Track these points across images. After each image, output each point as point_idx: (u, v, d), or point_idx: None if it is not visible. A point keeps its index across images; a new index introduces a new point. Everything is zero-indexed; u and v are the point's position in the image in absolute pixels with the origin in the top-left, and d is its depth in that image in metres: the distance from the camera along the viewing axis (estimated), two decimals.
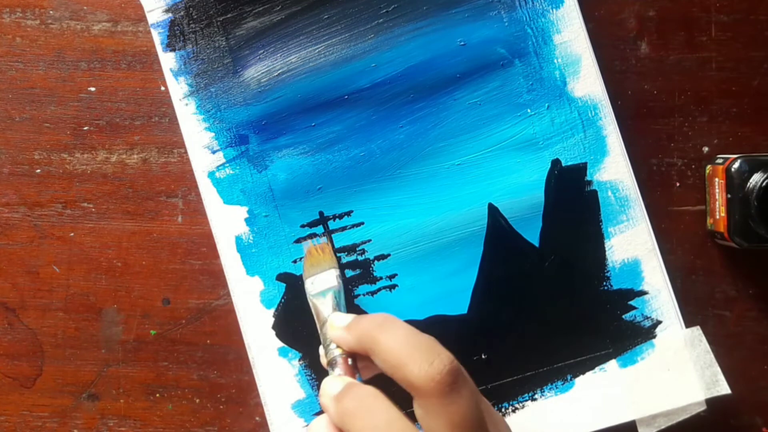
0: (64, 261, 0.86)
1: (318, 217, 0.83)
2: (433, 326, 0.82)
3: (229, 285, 0.84)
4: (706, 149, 0.85)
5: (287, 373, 0.83)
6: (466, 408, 0.57)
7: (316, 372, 0.83)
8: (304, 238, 0.83)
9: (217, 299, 0.85)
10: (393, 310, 0.82)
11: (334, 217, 0.83)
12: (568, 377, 0.83)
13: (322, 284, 0.77)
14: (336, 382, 0.64)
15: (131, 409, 0.86)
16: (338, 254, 0.83)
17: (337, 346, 0.68)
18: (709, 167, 0.84)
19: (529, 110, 0.83)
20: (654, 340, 0.83)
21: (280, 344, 0.83)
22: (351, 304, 0.83)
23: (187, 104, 0.83)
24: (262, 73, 0.83)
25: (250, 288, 0.83)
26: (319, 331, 0.73)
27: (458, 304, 0.83)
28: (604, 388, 0.83)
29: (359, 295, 0.83)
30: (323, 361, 0.70)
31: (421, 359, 0.58)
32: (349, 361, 0.68)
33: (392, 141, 0.83)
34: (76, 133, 0.85)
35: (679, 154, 0.85)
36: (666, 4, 0.85)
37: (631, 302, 0.83)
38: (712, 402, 0.82)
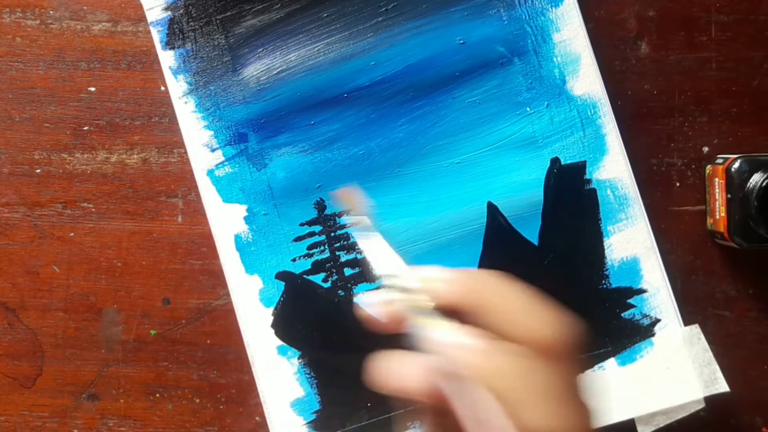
0: (64, 261, 0.86)
1: (317, 214, 0.83)
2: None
3: (228, 283, 0.84)
4: (706, 149, 0.85)
5: (286, 371, 0.83)
6: (582, 371, 0.55)
7: (315, 370, 0.83)
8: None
9: (217, 299, 0.85)
10: None
11: (334, 215, 0.83)
12: None
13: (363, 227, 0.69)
14: (473, 336, 0.54)
15: (131, 409, 0.86)
16: (337, 252, 0.83)
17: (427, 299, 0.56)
18: (709, 167, 0.84)
19: (528, 109, 0.83)
20: (653, 339, 0.83)
21: (279, 343, 0.83)
22: (350, 303, 0.83)
23: (186, 102, 0.83)
24: (262, 71, 0.83)
25: (249, 286, 0.83)
26: (375, 264, 0.63)
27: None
28: (603, 387, 0.82)
29: (358, 293, 0.83)
30: (378, 309, 0.58)
31: (542, 320, 0.53)
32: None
33: (391, 139, 0.83)
34: (76, 133, 0.85)
35: (679, 154, 0.85)
36: (666, 4, 0.85)
37: (630, 300, 0.83)
38: (711, 402, 0.82)
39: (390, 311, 0.58)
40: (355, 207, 0.71)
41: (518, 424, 0.50)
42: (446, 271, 0.57)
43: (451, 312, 0.55)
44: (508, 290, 0.55)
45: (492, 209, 0.83)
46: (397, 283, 0.58)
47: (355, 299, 0.66)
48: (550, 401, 0.52)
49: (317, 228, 0.83)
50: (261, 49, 0.83)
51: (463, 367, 0.52)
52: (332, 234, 0.83)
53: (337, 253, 0.83)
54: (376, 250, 0.63)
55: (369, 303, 0.59)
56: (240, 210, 0.83)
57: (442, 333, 0.54)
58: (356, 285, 0.83)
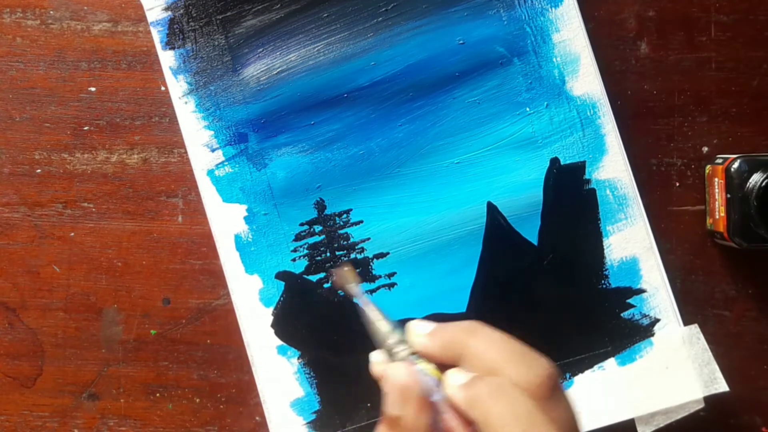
0: (64, 261, 0.86)
1: (316, 214, 0.83)
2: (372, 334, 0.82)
3: (228, 283, 0.84)
4: (705, 149, 0.85)
5: (286, 371, 0.83)
6: (566, 412, 0.56)
7: (315, 370, 0.83)
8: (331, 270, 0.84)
9: (217, 299, 0.85)
10: (392, 308, 0.82)
11: (334, 215, 0.83)
12: (567, 376, 0.83)
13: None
14: (460, 373, 0.59)
15: (131, 409, 0.86)
16: (338, 252, 0.84)
17: (414, 354, 0.63)
18: (708, 167, 0.84)
19: (527, 109, 0.83)
20: (652, 338, 0.83)
21: (279, 342, 0.83)
22: (350, 304, 0.83)
23: (186, 102, 0.83)
24: (262, 71, 0.83)
25: (249, 286, 0.83)
26: (374, 331, 0.69)
27: (457, 303, 0.83)
28: (603, 387, 0.82)
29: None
30: (377, 368, 0.64)
31: (519, 363, 0.56)
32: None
33: (391, 139, 0.83)
34: (77, 133, 0.85)
35: (679, 154, 0.85)
36: (666, 4, 0.85)
37: (630, 300, 0.83)
38: (711, 401, 0.82)
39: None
40: (351, 282, 0.74)
41: None
42: (428, 326, 0.61)
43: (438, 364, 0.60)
44: (487, 338, 0.58)
45: (492, 209, 0.83)
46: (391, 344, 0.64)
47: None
48: None
49: (317, 228, 0.83)
50: (261, 49, 0.83)
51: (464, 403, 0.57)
52: (332, 234, 0.83)
53: (337, 253, 0.83)
54: (373, 316, 0.67)
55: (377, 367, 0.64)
56: (240, 210, 0.83)
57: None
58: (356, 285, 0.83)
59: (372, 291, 0.83)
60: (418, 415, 0.58)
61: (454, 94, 0.83)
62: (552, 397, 0.55)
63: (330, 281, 0.83)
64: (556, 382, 0.56)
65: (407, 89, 0.83)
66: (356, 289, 0.71)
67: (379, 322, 0.65)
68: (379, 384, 0.61)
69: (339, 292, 0.82)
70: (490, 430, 0.54)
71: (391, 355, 0.63)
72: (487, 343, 0.58)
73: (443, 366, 0.60)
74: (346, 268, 0.75)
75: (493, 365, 0.56)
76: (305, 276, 0.84)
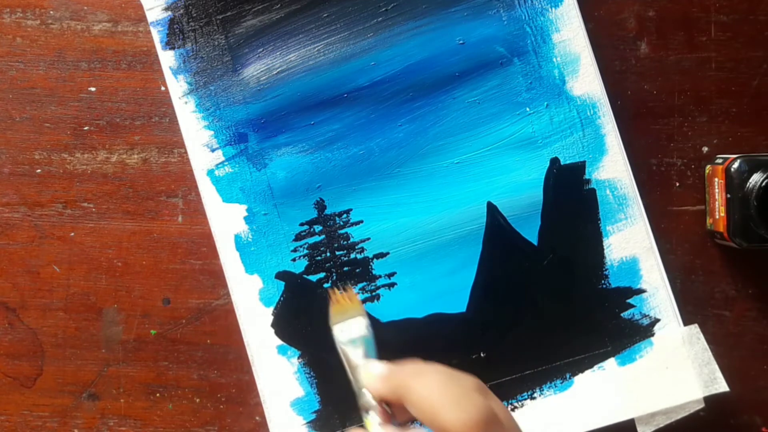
0: (64, 261, 0.86)
1: (316, 214, 0.83)
2: (432, 324, 0.83)
3: (228, 283, 0.84)
4: (705, 149, 0.85)
5: (286, 371, 0.83)
6: None
7: (315, 370, 0.83)
8: (334, 286, 0.84)
9: (217, 299, 0.85)
10: (392, 308, 0.82)
11: (334, 215, 0.83)
12: (567, 376, 0.83)
13: (352, 332, 0.75)
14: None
15: (131, 409, 0.86)
16: (337, 252, 0.84)
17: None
18: (708, 167, 0.84)
19: (528, 109, 0.83)
20: (652, 339, 0.83)
21: (279, 342, 0.83)
22: None
23: (186, 102, 0.83)
24: (262, 71, 0.83)
25: (249, 286, 0.83)
26: (350, 376, 0.72)
27: (457, 303, 0.83)
28: (603, 387, 0.83)
29: (358, 293, 0.83)
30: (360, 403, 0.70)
31: (453, 406, 0.58)
32: (386, 407, 0.67)
33: (391, 139, 0.83)
34: (77, 133, 0.85)
35: (679, 154, 0.85)
36: (666, 4, 0.85)
37: (630, 300, 0.83)
38: (711, 401, 0.82)
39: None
40: (352, 309, 0.75)
41: None
42: (381, 368, 0.67)
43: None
44: (428, 383, 0.61)
45: (492, 209, 0.83)
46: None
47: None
48: None
49: (317, 228, 0.83)
50: (261, 49, 0.83)
51: None
52: (332, 234, 0.83)
53: (337, 253, 0.84)
54: (354, 358, 0.72)
55: None
56: (240, 210, 0.83)
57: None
58: (356, 285, 0.83)
59: (372, 291, 0.83)
60: None
61: (454, 94, 0.83)
62: None
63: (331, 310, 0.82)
64: (488, 424, 0.58)
65: (407, 89, 0.83)
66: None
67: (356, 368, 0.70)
68: None
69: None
70: None
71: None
72: (427, 388, 0.61)
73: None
74: (347, 294, 0.77)
75: (431, 409, 0.59)
76: (305, 276, 0.84)
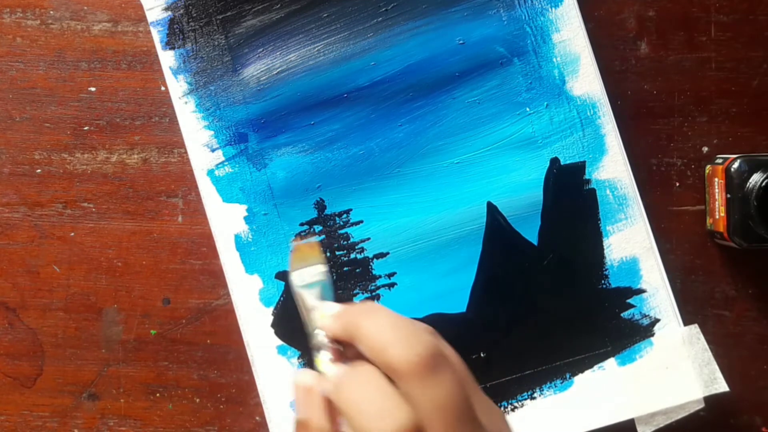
0: (64, 261, 0.86)
1: (316, 214, 0.83)
2: (432, 324, 0.81)
3: (228, 283, 0.84)
4: (705, 149, 0.85)
5: (286, 371, 0.83)
6: (447, 391, 0.57)
7: (315, 370, 0.83)
8: (298, 236, 0.84)
9: (218, 299, 0.86)
10: (392, 308, 0.81)
11: (334, 215, 0.83)
12: (567, 376, 0.83)
13: (309, 277, 0.75)
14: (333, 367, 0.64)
15: (131, 409, 0.86)
16: (337, 252, 0.84)
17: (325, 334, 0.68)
18: (708, 167, 0.84)
19: (527, 109, 0.83)
20: (652, 339, 0.83)
21: (279, 342, 0.83)
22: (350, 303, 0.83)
23: (186, 102, 0.83)
24: (262, 71, 0.83)
25: (249, 286, 0.83)
26: (305, 319, 0.72)
27: (457, 303, 0.83)
28: (603, 387, 0.83)
29: (358, 293, 0.83)
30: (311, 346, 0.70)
31: (400, 343, 0.58)
32: (338, 346, 0.68)
33: (391, 139, 0.83)
34: (77, 133, 0.85)
35: (679, 154, 0.85)
36: (666, 4, 0.85)
37: (630, 300, 0.83)
38: (711, 401, 0.82)
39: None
40: (312, 257, 0.75)
41: None
42: (334, 308, 0.66)
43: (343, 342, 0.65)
44: (378, 320, 0.61)
45: (491, 209, 0.83)
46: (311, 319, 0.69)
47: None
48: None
49: (317, 228, 0.83)
50: (261, 49, 0.83)
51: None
52: (332, 234, 0.83)
53: (337, 253, 0.84)
54: (308, 300, 0.71)
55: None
56: (240, 210, 0.83)
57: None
58: (356, 285, 0.83)
59: (372, 291, 0.83)
60: (322, 417, 0.61)
61: (454, 94, 0.83)
62: (432, 375, 0.57)
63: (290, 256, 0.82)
64: (436, 360, 0.58)
65: (407, 89, 0.83)
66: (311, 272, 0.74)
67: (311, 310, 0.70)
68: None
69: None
70: (353, 418, 0.58)
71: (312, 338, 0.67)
72: (376, 325, 0.60)
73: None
74: (308, 242, 0.77)
75: (379, 345, 0.59)
76: None
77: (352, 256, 0.83)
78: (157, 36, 0.84)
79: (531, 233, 0.83)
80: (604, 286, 0.83)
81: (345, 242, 0.84)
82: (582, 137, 0.83)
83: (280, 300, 0.83)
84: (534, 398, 0.83)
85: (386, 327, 0.60)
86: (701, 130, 0.85)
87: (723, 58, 0.85)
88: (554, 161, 0.83)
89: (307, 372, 0.64)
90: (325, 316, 0.66)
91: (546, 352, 0.83)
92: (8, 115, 0.85)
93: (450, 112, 0.83)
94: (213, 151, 0.83)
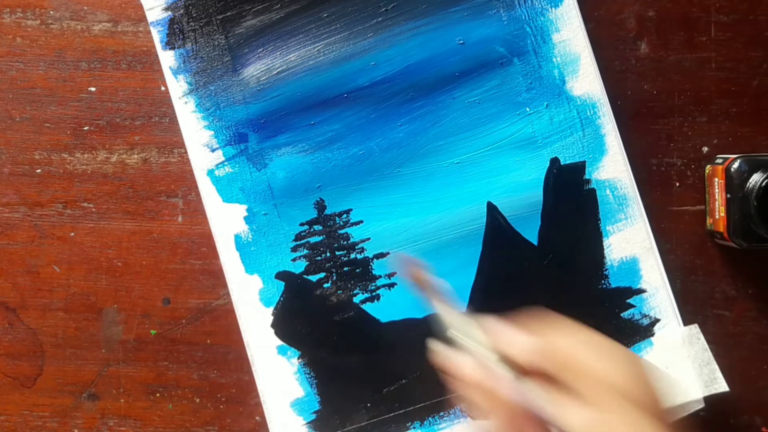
0: (64, 261, 0.86)
1: (316, 214, 0.83)
2: (432, 324, 0.82)
3: (228, 283, 0.84)
4: (705, 149, 0.85)
5: (286, 371, 0.83)
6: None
7: (314, 370, 0.83)
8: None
9: (217, 299, 0.85)
10: (392, 308, 0.82)
11: (334, 215, 0.83)
12: None
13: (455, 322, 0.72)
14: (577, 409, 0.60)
15: (131, 409, 0.86)
16: (337, 252, 0.84)
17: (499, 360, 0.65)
18: (708, 167, 0.84)
19: (527, 109, 0.83)
20: (652, 339, 0.83)
21: (279, 342, 0.83)
22: (350, 304, 0.83)
23: (186, 102, 0.83)
24: (262, 71, 0.83)
25: (249, 286, 0.83)
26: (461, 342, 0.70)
27: (457, 303, 0.83)
28: None
29: (358, 293, 0.83)
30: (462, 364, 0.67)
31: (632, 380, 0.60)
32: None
33: (391, 139, 0.83)
34: (77, 133, 0.85)
35: (679, 154, 0.85)
36: (666, 4, 0.85)
37: (630, 300, 0.83)
38: (711, 401, 0.82)
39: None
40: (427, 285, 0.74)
41: None
42: (522, 336, 0.64)
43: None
44: (592, 359, 0.61)
45: (492, 209, 0.83)
46: (467, 340, 0.67)
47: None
48: None
49: (317, 228, 0.83)
50: (261, 49, 0.83)
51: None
52: (332, 234, 0.83)
53: (337, 253, 0.83)
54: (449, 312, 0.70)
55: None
56: (240, 210, 0.83)
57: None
58: (356, 285, 0.83)
59: (372, 291, 0.83)
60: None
61: (454, 94, 0.83)
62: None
63: (399, 270, 0.83)
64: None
65: (407, 89, 0.83)
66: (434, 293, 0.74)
67: (469, 332, 0.68)
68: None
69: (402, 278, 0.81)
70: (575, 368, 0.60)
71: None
72: (591, 371, 0.60)
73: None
74: (421, 272, 0.76)
75: (605, 380, 0.59)
76: (305, 276, 0.84)
77: (352, 256, 0.83)
78: (157, 36, 0.84)
79: (531, 233, 0.83)
80: (604, 286, 0.83)
81: (345, 242, 0.83)
82: (582, 137, 0.83)
83: (280, 300, 0.83)
84: None
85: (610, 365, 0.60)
86: (701, 130, 0.85)
87: (723, 58, 0.85)
88: (554, 161, 0.83)
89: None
90: (509, 343, 0.64)
91: None
92: (8, 115, 0.85)
93: (450, 112, 0.83)
94: (213, 151, 0.83)
